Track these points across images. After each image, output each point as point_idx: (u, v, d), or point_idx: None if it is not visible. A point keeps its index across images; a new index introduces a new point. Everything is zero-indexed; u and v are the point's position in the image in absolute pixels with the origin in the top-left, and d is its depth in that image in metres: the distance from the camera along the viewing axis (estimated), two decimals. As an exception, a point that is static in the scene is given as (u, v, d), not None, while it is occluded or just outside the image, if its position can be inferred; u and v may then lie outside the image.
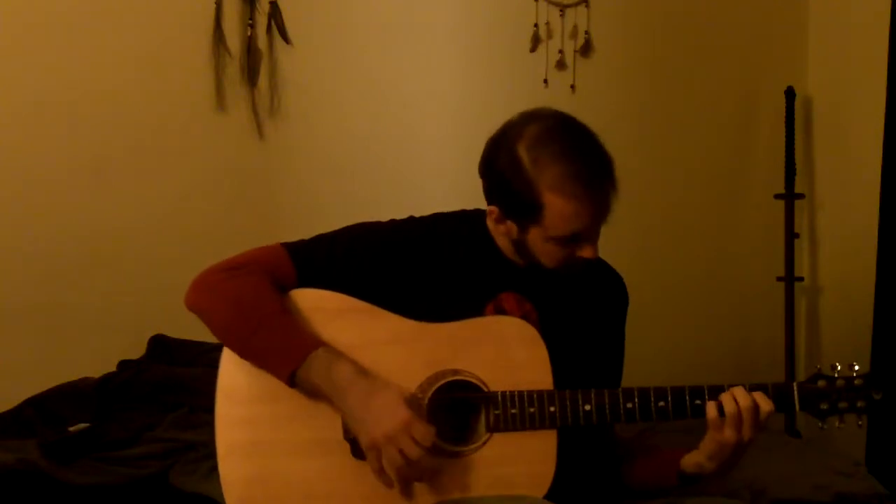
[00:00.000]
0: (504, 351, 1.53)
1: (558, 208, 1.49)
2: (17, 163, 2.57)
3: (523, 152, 1.51)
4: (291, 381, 1.47)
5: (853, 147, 2.94)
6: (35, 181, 2.58)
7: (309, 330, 1.51)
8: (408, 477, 1.46)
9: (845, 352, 2.92)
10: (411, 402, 1.46)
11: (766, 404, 1.49)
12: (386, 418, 1.41)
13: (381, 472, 1.45)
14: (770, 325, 3.10)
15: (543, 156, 1.49)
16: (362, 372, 1.47)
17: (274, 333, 1.48)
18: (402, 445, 1.40)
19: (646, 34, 3.03)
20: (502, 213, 1.57)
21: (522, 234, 1.56)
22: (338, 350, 1.49)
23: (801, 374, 3.05)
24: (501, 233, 1.61)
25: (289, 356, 1.46)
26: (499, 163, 1.54)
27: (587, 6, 2.94)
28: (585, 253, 1.54)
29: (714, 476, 1.56)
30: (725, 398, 1.49)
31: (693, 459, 1.56)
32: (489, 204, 1.60)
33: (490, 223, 1.63)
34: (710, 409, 1.49)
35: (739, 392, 1.49)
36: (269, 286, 1.52)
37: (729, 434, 1.48)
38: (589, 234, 1.53)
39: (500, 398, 1.51)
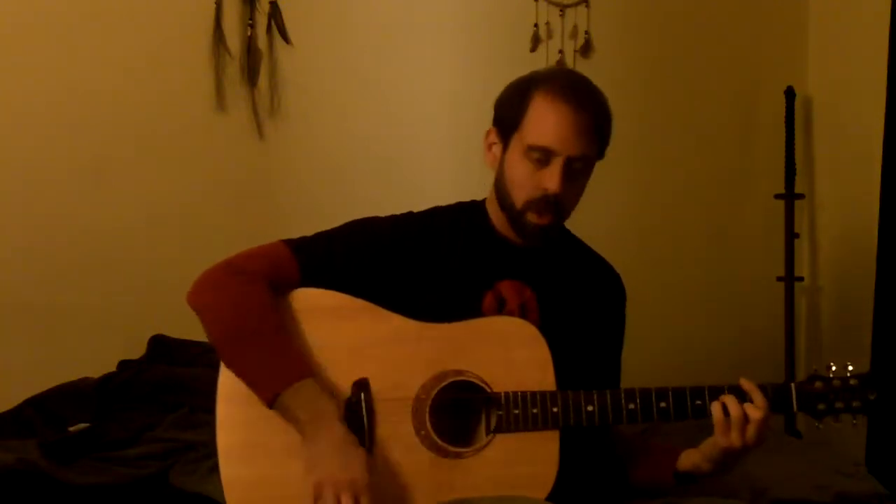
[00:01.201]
0: (506, 351, 1.53)
1: (540, 106, 1.55)
2: (17, 163, 2.57)
3: (532, 76, 1.62)
4: (271, 402, 1.45)
5: (853, 147, 2.94)
6: (35, 181, 2.58)
7: (306, 338, 1.52)
8: None
9: (845, 351, 2.93)
10: (375, 472, 1.43)
11: (760, 400, 1.49)
12: (345, 470, 1.38)
13: None
14: (770, 325, 3.10)
15: (547, 76, 1.61)
16: (342, 421, 1.44)
17: (264, 352, 1.48)
18: (341, 495, 1.36)
19: (646, 34, 3.03)
20: (496, 129, 1.63)
21: (504, 155, 1.60)
22: (325, 383, 1.48)
23: (801, 374, 3.04)
24: (489, 164, 1.65)
25: (275, 378, 1.45)
26: (508, 87, 1.64)
27: (587, 6, 2.94)
28: (549, 182, 1.54)
29: (709, 477, 1.57)
30: (729, 401, 1.49)
31: (690, 460, 1.57)
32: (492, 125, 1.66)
33: (488, 157, 1.66)
34: (717, 412, 1.49)
35: (732, 400, 1.50)
36: (269, 296, 1.52)
37: (735, 438, 1.48)
38: (559, 154, 1.54)
39: (502, 399, 1.51)
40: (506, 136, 1.61)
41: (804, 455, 2.18)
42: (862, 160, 2.81)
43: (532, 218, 1.58)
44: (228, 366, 1.51)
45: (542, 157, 1.55)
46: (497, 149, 1.63)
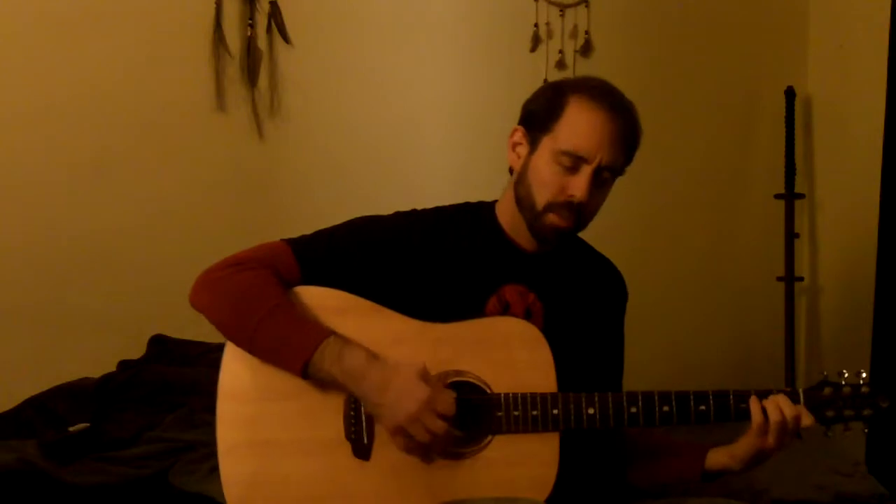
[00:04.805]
0: (508, 352, 1.53)
1: (577, 111, 1.53)
2: (17, 163, 2.57)
3: (567, 81, 1.62)
4: (304, 373, 1.46)
5: (853, 147, 2.94)
6: (35, 181, 2.58)
7: (316, 319, 1.51)
8: (436, 450, 1.47)
9: (845, 352, 2.93)
10: (425, 374, 1.45)
11: (800, 412, 1.50)
12: (406, 400, 1.42)
13: (411, 450, 1.46)
14: (770, 325, 3.10)
15: (585, 82, 1.58)
16: (374, 356, 1.46)
17: (280, 325, 1.47)
18: (426, 423, 1.41)
19: (646, 34, 3.03)
20: (524, 128, 1.60)
21: (530, 156, 1.58)
22: (347, 337, 1.48)
23: (801, 374, 3.05)
24: (511, 163, 1.62)
25: (299, 347, 1.45)
26: (541, 88, 1.63)
27: (587, 6, 2.95)
28: (576, 189, 1.53)
29: (736, 475, 1.59)
30: (770, 406, 1.49)
31: (720, 460, 1.58)
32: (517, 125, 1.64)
33: (510, 156, 1.63)
34: (757, 415, 1.49)
35: (783, 400, 1.50)
36: (272, 278, 1.52)
37: (772, 441, 1.49)
38: (589, 163, 1.53)
39: (503, 400, 1.51)
40: (534, 137, 1.58)
41: (804, 455, 2.19)
42: (862, 160, 2.81)
43: (552, 219, 1.56)
44: (251, 353, 1.50)
45: (573, 163, 1.53)
46: (522, 149, 1.61)
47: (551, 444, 1.50)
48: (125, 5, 2.64)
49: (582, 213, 1.56)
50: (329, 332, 1.47)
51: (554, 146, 1.54)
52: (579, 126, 1.53)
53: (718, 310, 3.12)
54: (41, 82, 2.58)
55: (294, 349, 1.45)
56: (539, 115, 1.57)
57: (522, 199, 1.59)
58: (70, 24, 2.59)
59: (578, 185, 1.53)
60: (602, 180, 1.56)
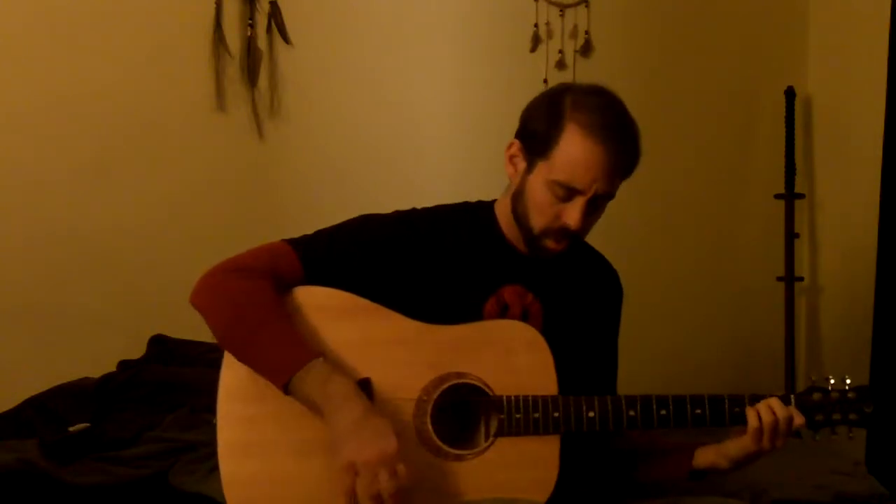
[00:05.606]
0: (509, 355, 1.53)
1: (572, 143, 1.50)
2: (18, 162, 2.57)
3: (567, 99, 1.54)
4: (286, 388, 1.44)
5: (853, 147, 2.94)
6: (35, 181, 2.58)
7: (309, 337, 1.50)
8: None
9: (845, 352, 2.93)
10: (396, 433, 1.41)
11: (791, 413, 1.52)
12: (374, 443, 1.37)
13: (350, 494, 1.37)
14: (770, 325, 3.10)
15: (585, 105, 1.53)
16: (359, 391, 1.44)
17: (273, 338, 1.46)
18: (380, 475, 1.35)
19: (646, 34, 3.04)
20: (521, 144, 1.58)
21: (526, 175, 1.56)
22: (336, 363, 1.47)
23: (801, 374, 3.05)
24: (509, 175, 1.61)
25: (287, 362, 1.44)
26: (540, 102, 1.58)
27: (587, 6, 2.95)
28: (570, 218, 1.52)
29: (724, 473, 1.60)
30: (762, 408, 1.51)
31: (708, 458, 1.59)
32: (514, 138, 1.61)
33: (508, 168, 1.61)
34: (752, 419, 1.50)
35: (775, 402, 1.52)
36: (272, 290, 1.51)
37: (766, 443, 1.51)
38: (584, 194, 1.52)
39: (504, 403, 1.51)
40: (531, 157, 1.56)
41: (803, 455, 2.19)
42: (862, 160, 2.81)
43: (548, 244, 1.57)
44: (239, 360, 1.50)
45: (567, 194, 1.52)
46: (519, 163, 1.59)
47: (552, 446, 1.51)
48: (125, 5, 2.63)
49: (577, 235, 1.57)
50: (319, 353, 1.45)
51: (549, 175, 1.52)
52: (574, 159, 1.50)
53: (718, 310, 3.12)
54: (41, 82, 2.58)
55: (281, 363, 1.44)
56: (536, 137, 1.55)
57: (520, 217, 1.59)
58: (70, 23, 2.59)
59: (572, 216, 1.53)
60: (596, 206, 1.56)
